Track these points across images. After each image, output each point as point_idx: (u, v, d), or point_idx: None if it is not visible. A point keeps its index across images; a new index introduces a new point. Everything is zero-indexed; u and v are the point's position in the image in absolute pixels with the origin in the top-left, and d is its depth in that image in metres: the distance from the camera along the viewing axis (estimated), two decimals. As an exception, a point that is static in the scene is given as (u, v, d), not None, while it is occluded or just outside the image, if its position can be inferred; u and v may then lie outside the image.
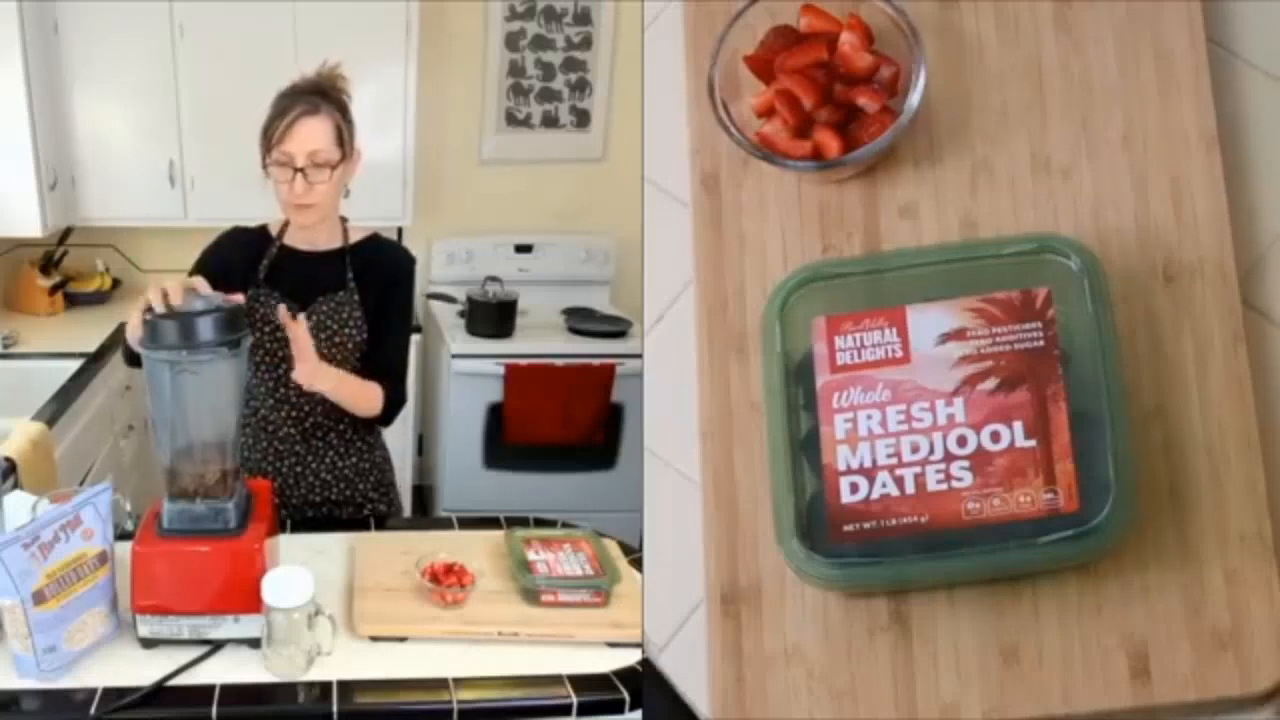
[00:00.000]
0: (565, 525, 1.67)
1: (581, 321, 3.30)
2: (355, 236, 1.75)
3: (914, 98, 1.13)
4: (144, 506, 1.37)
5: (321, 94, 1.62)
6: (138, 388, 2.94)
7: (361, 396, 1.70)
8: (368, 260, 1.74)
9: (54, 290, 3.31)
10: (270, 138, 1.60)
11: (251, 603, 1.27)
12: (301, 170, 1.59)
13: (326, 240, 1.73)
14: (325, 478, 1.74)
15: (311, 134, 1.60)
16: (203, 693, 1.22)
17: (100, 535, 1.28)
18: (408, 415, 3.24)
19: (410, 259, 1.80)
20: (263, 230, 1.76)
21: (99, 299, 3.41)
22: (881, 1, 1.16)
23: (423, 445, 3.42)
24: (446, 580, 1.43)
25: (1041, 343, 1.03)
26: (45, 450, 2.28)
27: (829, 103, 1.16)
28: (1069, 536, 0.99)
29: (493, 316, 3.09)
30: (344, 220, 1.73)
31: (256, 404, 1.73)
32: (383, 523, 1.72)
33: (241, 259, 1.72)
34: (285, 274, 1.72)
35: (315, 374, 1.59)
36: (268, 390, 1.72)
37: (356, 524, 1.71)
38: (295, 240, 1.73)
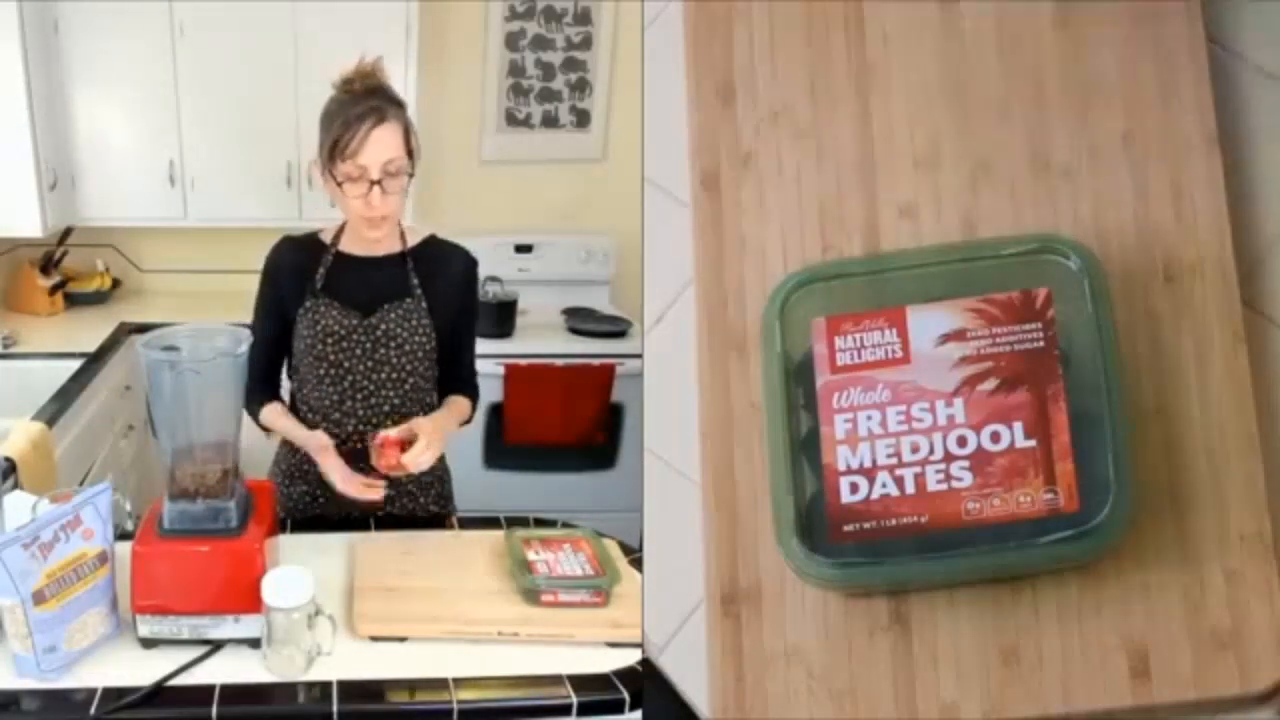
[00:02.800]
0: (565, 525, 1.67)
1: (581, 321, 3.30)
2: (413, 239, 1.71)
3: None
4: (144, 506, 1.37)
5: (384, 96, 1.57)
6: (138, 388, 2.94)
7: (457, 420, 1.77)
8: (431, 265, 1.71)
9: (54, 290, 3.31)
10: (342, 151, 1.54)
11: (251, 603, 1.27)
12: (378, 182, 1.55)
13: (385, 245, 1.68)
14: (389, 491, 1.71)
15: (385, 143, 1.55)
16: (203, 693, 1.22)
17: (100, 535, 1.28)
18: (408, 415, 3.25)
19: (473, 261, 1.77)
20: (313, 237, 1.72)
21: (99, 299, 3.42)
22: None
23: (422, 445, 3.42)
24: (388, 450, 1.47)
25: (1041, 343, 1.03)
26: (45, 450, 2.28)
27: None
28: (1069, 536, 0.99)
29: (493, 316, 3.09)
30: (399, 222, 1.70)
31: (320, 417, 1.70)
32: (384, 523, 1.72)
33: (295, 269, 1.68)
34: (344, 282, 1.68)
35: (434, 447, 1.62)
36: (333, 404, 1.70)
37: (356, 524, 1.71)
38: (352, 246, 1.69)
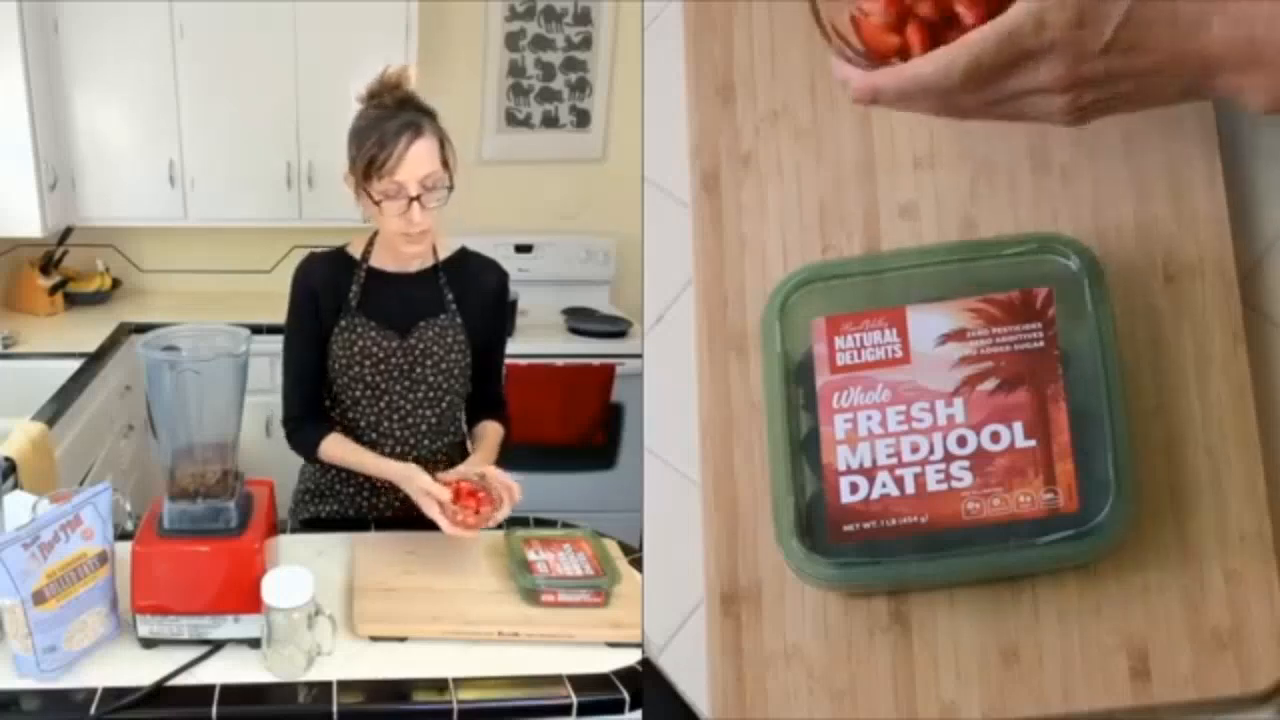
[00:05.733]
0: (565, 525, 1.67)
1: (581, 321, 3.30)
2: (444, 252, 1.68)
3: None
4: (144, 506, 1.37)
5: (417, 108, 1.55)
6: (138, 388, 2.95)
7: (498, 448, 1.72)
8: (464, 279, 1.69)
9: (54, 290, 3.31)
10: (379, 169, 1.51)
11: (251, 603, 1.27)
12: (417, 198, 1.52)
13: (419, 259, 1.66)
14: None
15: (422, 158, 1.52)
16: (203, 693, 1.22)
17: (100, 535, 1.28)
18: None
19: (504, 274, 1.74)
20: (341, 253, 1.68)
21: (99, 299, 3.42)
22: None
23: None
24: (464, 501, 1.44)
25: (1041, 343, 1.03)
26: (45, 450, 2.28)
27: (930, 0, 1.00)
28: (1069, 536, 0.99)
29: (493, 316, 3.10)
30: None
31: (359, 434, 1.68)
32: (383, 523, 1.72)
33: (328, 286, 1.65)
34: (378, 300, 1.65)
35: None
36: (369, 424, 1.68)
37: (356, 524, 1.71)
38: (384, 262, 1.66)
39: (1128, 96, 0.90)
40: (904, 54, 1.00)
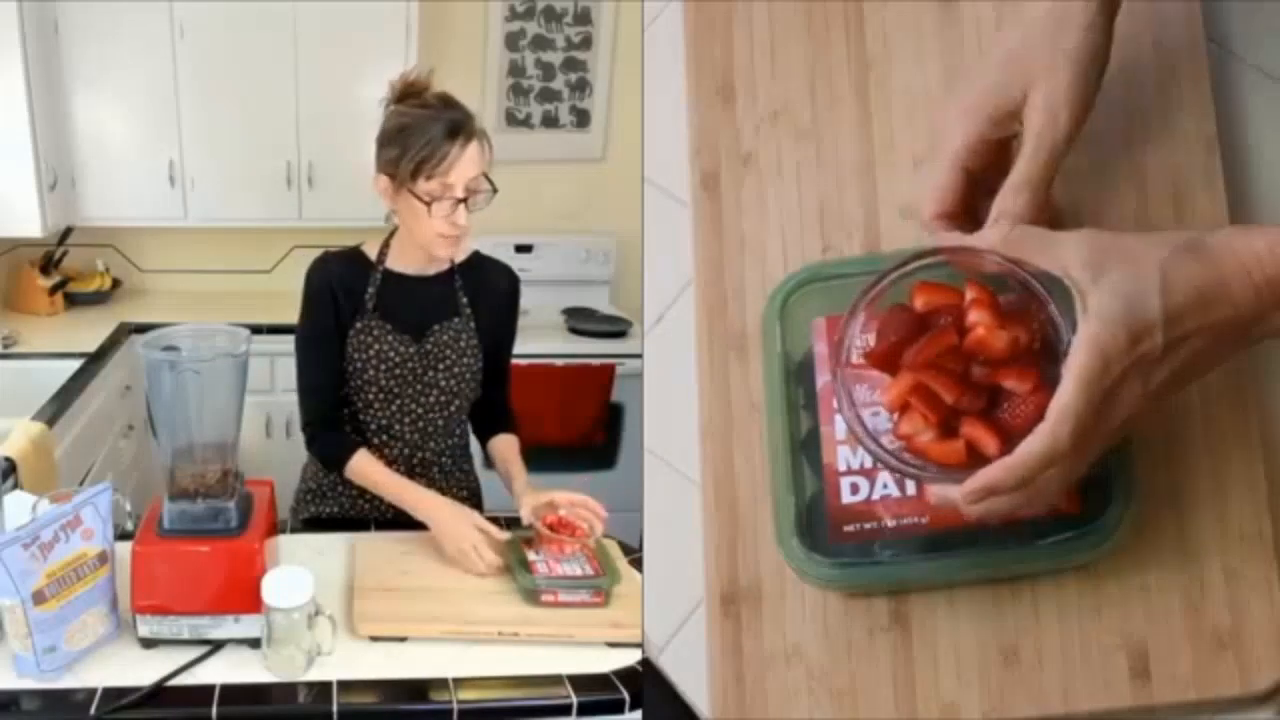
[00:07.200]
0: (565, 525, 1.67)
1: (581, 321, 3.30)
2: (459, 255, 1.67)
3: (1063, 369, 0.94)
4: (144, 506, 1.37)
5: (464, 110, 1.54)
6: (138, 388, 2.95)
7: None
8: (478, 283, 1.68)
9: (54, 290, 3.31)
10: (432, 169, 1.49)
11: (251, 603, 1.27)
12: (464, 200, 1.52)
13: (436, 263, 1.65)
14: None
15: (474, 161, 1.52)
16: (203, 693, 1.22)
17: (100, 535, 1.28)
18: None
19: (516, 279, 1.73)
20: (357, 253, 1.66)
21: (99, 299, 3.42)
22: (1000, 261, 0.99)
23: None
24: (562, 530, 1.46)
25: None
26: (45, 450, 2.28)
27: (969, 389, 0.97)
28: (1069, 537, 0.99)
29: (493, 317, 3.10)
30: None
31: (367, 436, 1.68)
32: (383, 523, 1.72)
33: (345, 286, 1.63)
34: (394, 302, 1.63)
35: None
36: (380, 426, 1.67)
37: (356, 524, 1.71)
38: (401, 264, 1.65)
39: (1195, 369, 0.94)
40: (974, 450, 0.95)
